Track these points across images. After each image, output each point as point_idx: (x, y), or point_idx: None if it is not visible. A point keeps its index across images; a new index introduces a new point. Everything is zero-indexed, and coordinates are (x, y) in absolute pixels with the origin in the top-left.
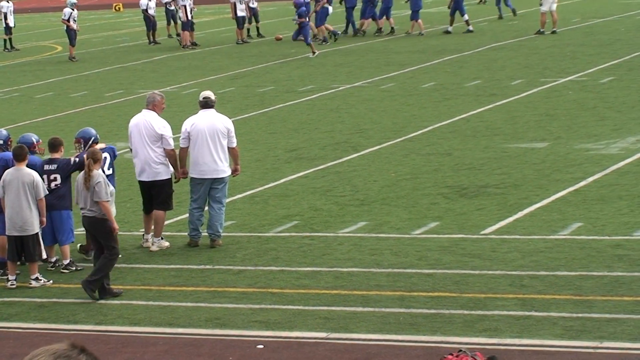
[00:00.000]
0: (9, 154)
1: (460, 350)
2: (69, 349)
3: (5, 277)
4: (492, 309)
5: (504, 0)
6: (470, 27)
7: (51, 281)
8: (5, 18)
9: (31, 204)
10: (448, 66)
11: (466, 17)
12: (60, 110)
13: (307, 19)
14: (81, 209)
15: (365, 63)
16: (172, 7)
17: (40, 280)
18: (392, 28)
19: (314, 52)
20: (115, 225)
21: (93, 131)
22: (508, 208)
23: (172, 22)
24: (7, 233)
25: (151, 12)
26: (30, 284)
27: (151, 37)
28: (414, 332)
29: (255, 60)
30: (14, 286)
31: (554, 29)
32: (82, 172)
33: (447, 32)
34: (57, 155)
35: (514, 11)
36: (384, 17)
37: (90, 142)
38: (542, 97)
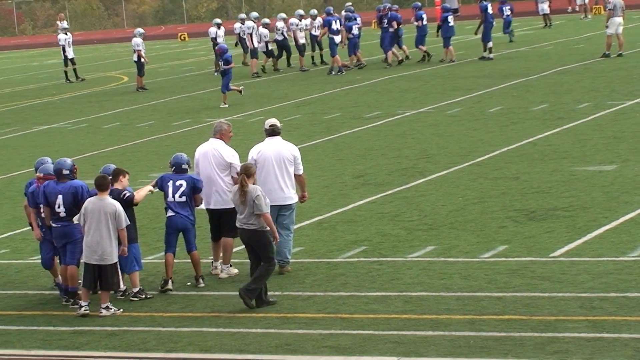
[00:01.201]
0: (77, 182)
1: None
2: None
3: (76, 305)
4: (562, 331)
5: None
6: (490, 55)
7: (121, 310)
8: (64, 50)
9: (112, 234)
10: (514, 90)
11: (490, 44)
12: (127, 140)
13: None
14: (237, 222)
15: (431, 88)
16: (244, 36)
17: (111, 309)
18: (407, 56)
19: (224, 103)
20: (276, 235)
21: (185, 158)
22: (577, 230)
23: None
24: (84, 260)
25: (220, 40)
26: (101, 312)
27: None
28: (485, 356)
29: (321, 87)
30: (86, 312)
31: (620, 52)
32: (236, 188)
33: (484, 59)
34: (117, 186)
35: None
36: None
37: (174, 168)
38: (610, 120)
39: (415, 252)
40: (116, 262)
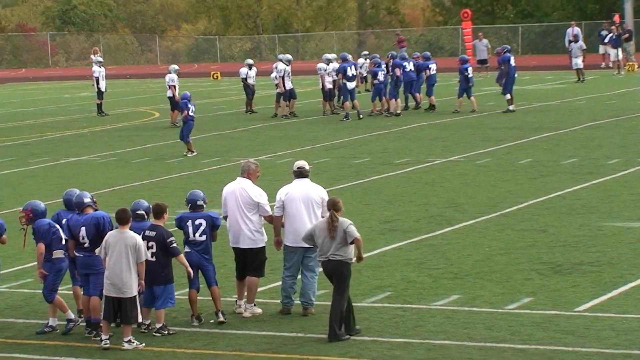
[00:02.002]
0: (100, 213)
1: None
2: None
3: (98, 337)
4: None
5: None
6: (510, 107)
7: (143, 344)
8: (97, 82)
9: (131, 267)
10: (544, 143)
11: (508, 96)
12: (156, 175)
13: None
14: (321, 255)
15: (461, 138)
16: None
17: (133, 342)
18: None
19: (191, 151)
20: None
21: (201, 194)
22: (602, 286)
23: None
24: (105, 293)
25: (250, 81)
26: (123, 346)
27: (249, 106)
28: None
29: (351, 132)
30: (107, 345)
31: None
32: (324, 221)
33: (509, 111)
34: (160, 223)
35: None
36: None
37: (190, 205)
38: (639, 177)
39: (439, 300)
40: (135, 296)
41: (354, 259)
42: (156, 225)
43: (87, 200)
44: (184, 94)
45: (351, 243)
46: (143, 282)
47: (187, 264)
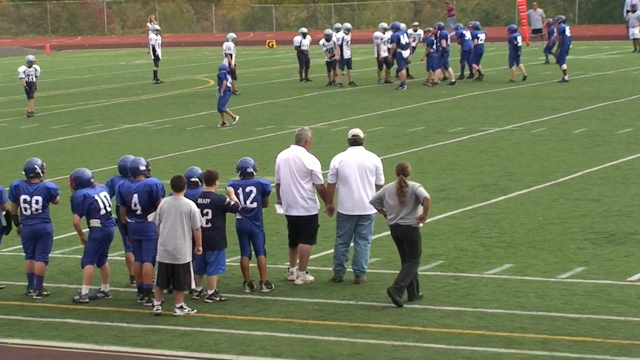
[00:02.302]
0: (152, 180)
1: None
2: None
3: (150, 303)
4: (636, 355)
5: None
6: (566, 77)
7: (195, 310)
8: (154, 50)
9: (186, 234)
10: (600, 113)
11: (564, 66)
12: (210, 143)
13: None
14: (391, 220)
15: (516, 107)
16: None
17: (185, 309)
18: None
19: (233, 117)
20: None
21: (251, 162)
22: None
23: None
24: (158, 259)
25: (304, 48)
26: (175, 312)
27: (303, 74)
28: None
29: (406, 101)
30: (159, 311)
31: None
32: (394, 185)
33: (564, 81)
34: (212, 189)
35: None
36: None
37: (240, 172)
38: None
39: (492, 269)
40: (189, 262)
41: (416, 220)
42: (209, 192)
43: (142, 167)
44: (221, 65)
45: (421, 204)
46: (201, 248)
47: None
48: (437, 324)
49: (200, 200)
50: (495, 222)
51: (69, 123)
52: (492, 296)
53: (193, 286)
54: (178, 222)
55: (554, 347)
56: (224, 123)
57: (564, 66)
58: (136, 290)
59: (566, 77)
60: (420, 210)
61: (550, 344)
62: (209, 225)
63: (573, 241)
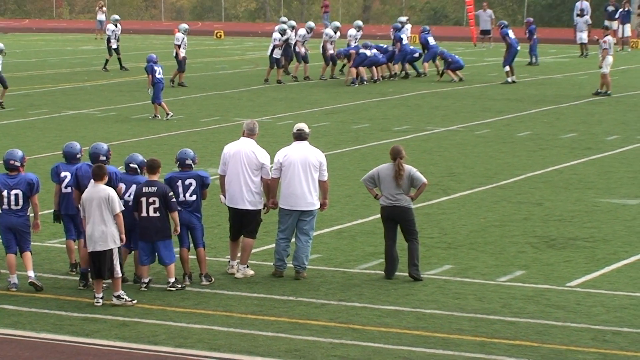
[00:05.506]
0: (110, 168)
1: None
2: None
3: (89, 287)
4: None
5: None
6: (509, 79)
7: (135, 301)
8: (109, 41)
9: (105, 220)
10: (545, 116)
11: (507, 68)
12: (154, 132)
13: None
14: (386, 200)
15: (462, 107)
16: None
17: (123, 298)
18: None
19: (167, 113)
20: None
21: (191, 153)
22: (595, 262)
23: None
24: (88, 250)
25: (292, 42)
26: (112, 300)
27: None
28: None
29: (352, 97)
30: (99, 304)
31: (609, 91)
32: (390, 167)
33: (507, 83)
34: (154, 178)
35: (533, 61)
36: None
37: (179, 163)
38: (638, 155)
39: (432, 269)
40: (113, 249)
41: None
42: (154, 180)
43: (102, 157)
44: (149, 56)
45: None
46: (123, 235)
47: (178, 221)
48: (376, 323)
49: (145, 189)
50: (437, 223)
51: (14, 107)
52: (431, 297)
53: (119, 274)
54: (97, 210)
55: (491, 350)
56: (155, 116)
57: (507, 68)
58: (77, 278)
59: (509, 79)
60: (411, 191)
61: (488, 347)
62: (158, 214)
63: (514, 244)
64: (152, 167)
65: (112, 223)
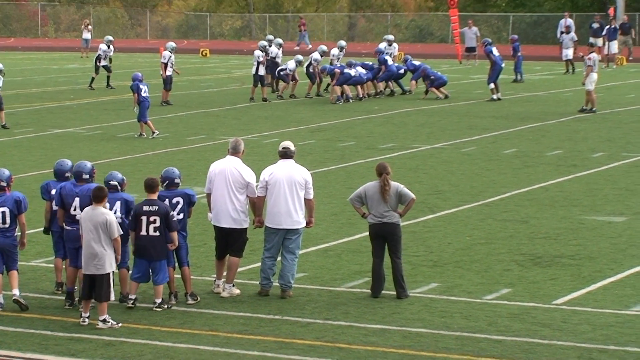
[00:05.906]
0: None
1: None
2: None
3: (74, 307)
4: None
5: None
6: (494, 96)
7: (120, 324)
8: (98, 59)
9: (103, 244)
10: (530, 134)
11: (492, 85)
12: (140, 151)
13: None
14: (374, 218)
15: (448, 125)
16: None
17: (108, 322)
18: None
19: (152, 132)
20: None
21: (176, 172)
22: (581, 280)
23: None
24: (83, 271)
25: (278, 60)
26: (98, 325)
27: (274, 85)
28: None
29: (338, 115)
30: (85, 323)
31: (594, 108)
32: (376, 185)
33: (492, 100)
34: (153, 197)
35: (518, 79)
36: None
37: (167, 183)
38: (623, 172)
39: (418, 287)
40: (109, 273)
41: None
42: (154, 200)
43: (86, 176)
44: (134, 74)
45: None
46: (119, 257)
47: (177, 241)
48: (362, 342)
49: (146, 208)
50: (423, 241)
51: None
52: (418, 315)
53: (112, 298)
54: (94, 232)
55: None
56: (141, 134)
57: (492, 85)
58: (63, 297)
59: (494, 96)
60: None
61: None
62: (157, 234)
63: (499, 262)
64: (151, 186)
65: (109, 247)
